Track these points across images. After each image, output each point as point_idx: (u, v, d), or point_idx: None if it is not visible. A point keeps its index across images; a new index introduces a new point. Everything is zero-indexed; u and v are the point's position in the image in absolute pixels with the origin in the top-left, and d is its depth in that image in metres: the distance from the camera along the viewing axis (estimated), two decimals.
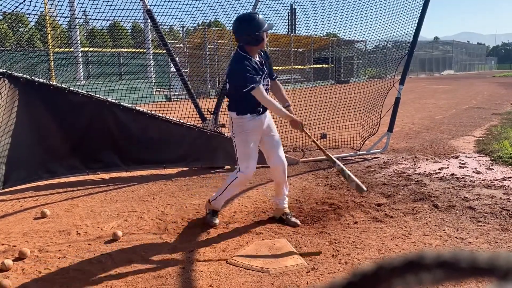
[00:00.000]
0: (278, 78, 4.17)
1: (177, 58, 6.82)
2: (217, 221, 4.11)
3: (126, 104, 5.82)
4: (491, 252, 0.37)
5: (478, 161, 6.50)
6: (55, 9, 7.57)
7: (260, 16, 3.81)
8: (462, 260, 0.35)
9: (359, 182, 3.98)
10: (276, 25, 7.28)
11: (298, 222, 4.10)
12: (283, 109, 3.93)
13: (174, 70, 6.72)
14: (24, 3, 5.10)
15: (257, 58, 3.87)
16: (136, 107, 5.89)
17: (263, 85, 3.83)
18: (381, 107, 7.07)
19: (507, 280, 0.33)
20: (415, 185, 5.26)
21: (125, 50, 12.05)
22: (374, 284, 0.35)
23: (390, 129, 7.13)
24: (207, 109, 6.28)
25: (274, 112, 3.97)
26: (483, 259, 0.35)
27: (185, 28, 16.90)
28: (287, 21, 19.58)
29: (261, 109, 3.91)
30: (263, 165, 4.95)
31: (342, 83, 12.14)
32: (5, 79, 5.04)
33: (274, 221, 4.14)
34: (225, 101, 4.35)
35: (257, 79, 3.74)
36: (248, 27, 3.72)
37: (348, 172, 4.04)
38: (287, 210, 4.19)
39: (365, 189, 3.99)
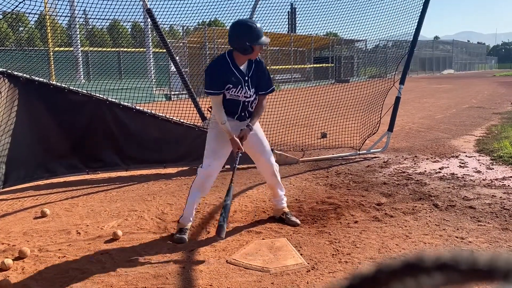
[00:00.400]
0: (273, 85, 3.99)
1: (177, 58, 6.81)
2: (185, 237, 3.73)
3: (126, 104, 5.82)
4: (491, 253, 0.37)
5: (478, 160, 6.50)
6: (55, 8, 7.57)
7: (258, 26, 3.63)
8: (461, 262, 0.35)
9: (224, 228, 3.52)
10: (276, 24, 7.27)
11: (298, 221, 4.09)
12: (228, 126, 3.69)
13: (174, 70, 6.71)
14: (24, 2, 5.10)
15: (243, 66, 3.74)
16: (136, 107, 5.89)
17: (237, 95, 3.72)
18: (381, 106, 7.06)
19: (508, 281, 0.33)
20: (415, 184, 5.26)
21: (125, 49, 12.06)
22: (373, 287, 0.35)
23: (390, 129, 7.12)
24: (207, 109, 6.26)
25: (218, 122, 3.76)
26: (483, 260, 0.35)
27: (185, 27, 16.89)
28: (287, 20, 19.57)
29: (240, 114, 3.81)
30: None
31: (342, 82, 12.14)
32: (5, 78, 5.04)
33: (274, 220, 4.14)
34: None
35: (217, 88, 3.64)
36: (241, 35, 3.58)
37: (226, 214, 3.59)
38: (286, 210, 4.18)
39: (223, 237, 3.52)
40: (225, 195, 3.70)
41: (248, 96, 3.78)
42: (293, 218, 4.11)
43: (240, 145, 3.72)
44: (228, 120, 3.74)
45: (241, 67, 3.74)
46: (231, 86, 3.69)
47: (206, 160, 3.77)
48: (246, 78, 3.75)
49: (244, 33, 3.59)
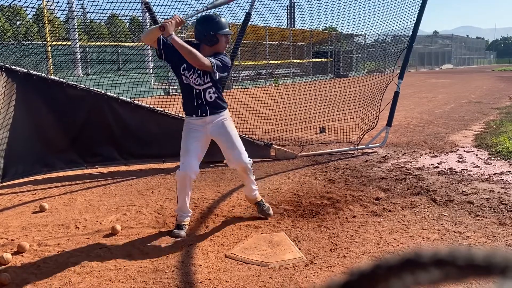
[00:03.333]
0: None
1: None
2: (183, 232, 3.77)
3: (124, 98, 5.81)
4: (488, 249, 0.37)
5: (476, 155, 6.51)
6: (53, 2, 7.53)
7: (222, 20, 3.77)
8: (459, 257, 0.35)
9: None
10: (275, 18, 7.26)
11: (271, 212, 4.12)
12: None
13: None
14: None
15: None
16: (135, 101, 5.88)
17: (188, 78, 3.72)
18: (380, 101, 7.06)
19: (505, 277, 0.33)
20: (414, 179, 5.27)
21: (124, 43, 12.01)
22: (371, 284, 0.35)
23: (389, 124, 7.12)
24: None
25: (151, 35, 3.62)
26: (480, 256, 0.35)
27: None
28: (286, 14, 19.51)
29: (197, 102, 3.78)
30: (258, 159, 4.98)
31: (341, 77, 12.14)
32: (3, 72, 5.03)
33: (273, 215, 4.14)
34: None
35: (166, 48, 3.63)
36: (204, 25, 3.69)
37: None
38: (259, 199, 4.16)
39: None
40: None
41: (198, 84, 3.74)
42: (265, 209, 4.11)
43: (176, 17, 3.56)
44: (192, 119, 3.80)
45: None
46: (185, 66, 3.68)
47: (180, 159, 3.78)
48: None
49: (207, 23, 3.70)
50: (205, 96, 3.80)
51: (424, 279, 0.32)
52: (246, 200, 4.35)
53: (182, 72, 3.73)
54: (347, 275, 0.37)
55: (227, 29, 3.76)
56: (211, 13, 3.95)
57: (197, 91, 3.79)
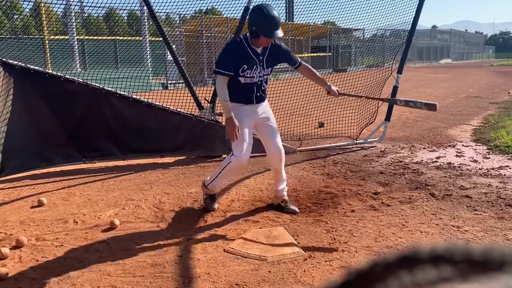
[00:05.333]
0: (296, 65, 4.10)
1: (173, 46, 6.76)
2: (215, 206, 4.18)
3: (122, 93, 5.79)
4: (486, 244, 0.37)
5: (475, 150, 6.51)
6: None
7: (275, 18, 3.65)
8: (456, 253, 0.34)
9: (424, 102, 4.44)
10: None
11: (297, 209, 4.11)
12: (228, 104, 3.75)
13: (171, 58, 6.68)
14: None
15: (260, 49, 3.83)
16: (133, 96, 5.86)
17: (252, 76, 3.80)
18: (378, 96, 7.05)
19: (503, 272, 0.33)
20: (412, 173, 5.27)
21: (122, 38, 11.96)
22: (369, 284, 0.34)
23: (388, 118, 7.12)
24: (204, 98, 6.26)
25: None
26: (477, 252, 0.34)
27: (181, 16, 16.76)
28: (284, 8, 19.44)
29: (256, 94, 3.89)
30: (260, 154, 4.98)
31: (340, 71, 12.11)
32: (0, 67, 5.00)
33: (272, 209, 4.15)
34: None
35: (227, 69, 3.73)
36: (254, 19, 3.71)
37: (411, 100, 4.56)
38: (286, 198, 4.20)
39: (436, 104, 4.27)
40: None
41: (262, 75, 3.89)
42: (292, 206, 4.14)
43: (237, 130, 3.74)
44: (245, 105, 3.86)
45: (258, 50, 3.82)
46: (245, 67, 3.77)
47: (237, 147, 3.85)
48: (261, 58, 3.83)
49: (256, 18, 3.71)
50: (263, 85, 3.95)
51: (422, 279, 0.32)
52: (272, 197, 4.34)
53: (242, 74, 3.78)
54: (345, 275, 0.37)
55: (274, 32, 3.67)
56: (268, 6, 3.80)
57: (259, 82, 3.91)
